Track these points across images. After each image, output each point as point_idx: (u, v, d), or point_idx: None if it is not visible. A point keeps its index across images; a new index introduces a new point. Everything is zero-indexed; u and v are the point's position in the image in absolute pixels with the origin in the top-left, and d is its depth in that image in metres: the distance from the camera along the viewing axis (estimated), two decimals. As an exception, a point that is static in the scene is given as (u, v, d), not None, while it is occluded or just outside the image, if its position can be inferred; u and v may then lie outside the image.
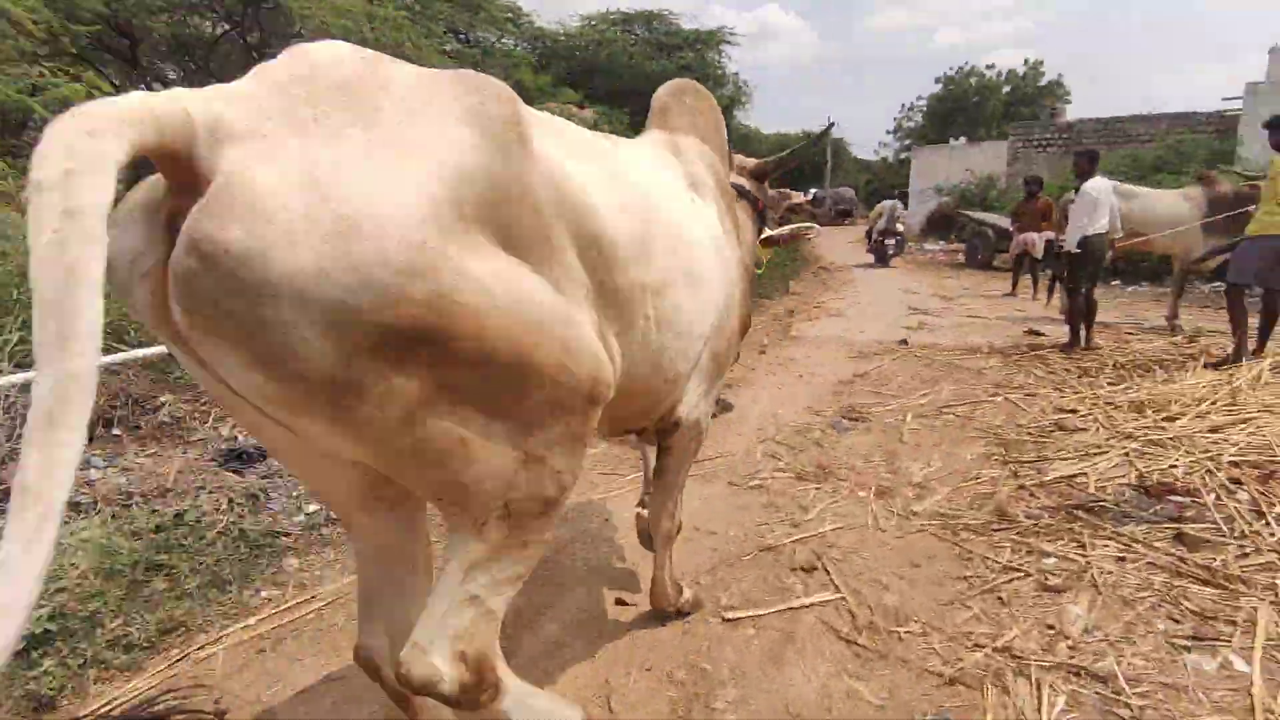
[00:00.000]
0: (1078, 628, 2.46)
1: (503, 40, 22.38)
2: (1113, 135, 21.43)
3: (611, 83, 22.27)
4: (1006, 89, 36.93)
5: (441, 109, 1.05)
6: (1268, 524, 3.24)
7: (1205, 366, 5.56)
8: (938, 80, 38.13)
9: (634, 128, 12.36)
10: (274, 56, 1.04)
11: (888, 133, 42.75)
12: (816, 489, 3.64)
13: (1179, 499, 3.50)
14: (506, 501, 1.17)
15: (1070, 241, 6.26)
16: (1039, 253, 10.18)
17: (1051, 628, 2.46)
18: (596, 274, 1.33)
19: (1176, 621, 2.52)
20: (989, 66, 37.55)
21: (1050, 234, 10.31)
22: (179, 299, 0.87)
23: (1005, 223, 15.12)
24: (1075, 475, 3.81)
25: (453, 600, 1.19)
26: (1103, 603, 2.61)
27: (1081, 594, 2.66)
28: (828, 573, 2.80)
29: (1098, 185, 6.18)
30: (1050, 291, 8.48)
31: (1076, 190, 6.29)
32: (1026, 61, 37.58)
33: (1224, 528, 3.21)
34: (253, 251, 0.83)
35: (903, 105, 42.85)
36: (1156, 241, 7.34)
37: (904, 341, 6.88)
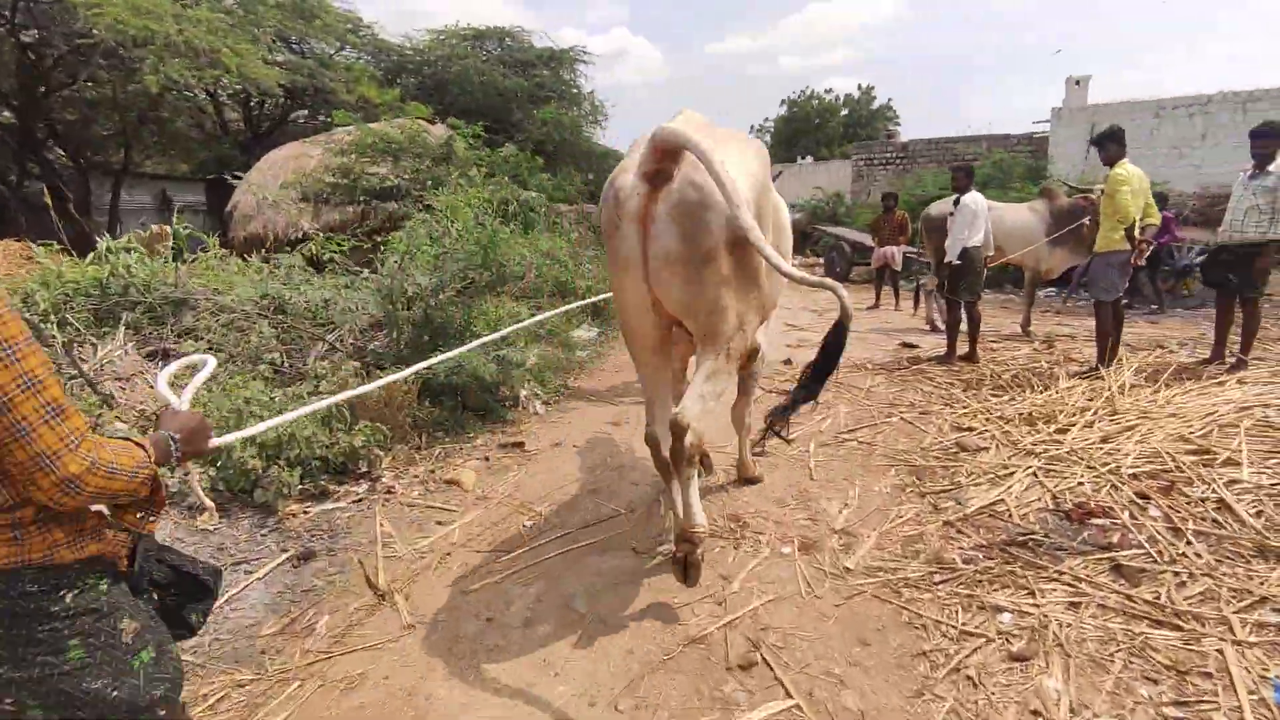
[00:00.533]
0: (1063, 708, 2.10)
1: (342, 52, 20.89)
2: (942, 154, 23.21)
3: (463, 98, 21.33)
4: (844, 112, 39.38)
5: (752, 150, 2.77)
6: (1189, 543, 3.12)
7: (1072, 375, 5.70)
8: (782, 103, 40.04)
9: (488, 144, 11.62)
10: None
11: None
12: (735, 549, 3.15)
13: (1099, 522, 3.34)
14: (730, 343, 2.47)
15: (951, 253, 6.29)
16: (899, 265, 10.51)
17: (1037, 714, 2.08)
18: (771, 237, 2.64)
19: (1154, 682, 2.23)
20: (827, 91, 39.94)
21: (908, 247, 10.72)
22: (667, 205, 2.28)
23: (861, 237, 15.81)
24: (995, 503, 3.59)
25: (698, 393, 2.46)
26: (1075, 668, 2.28)
27: (1052, 659, 2.31)
28: (770, 668, 2.29)
29: (976, 199, 6.25)
30: (916, 301, 8.65)
31: (956, 204, 6.33)
32: (860, 87, 40.24)
33: (1151, 552, 3.05)
34: (707, 189, 2.24)
35: (752, 126, 44.64)
36: (1011, 255, 7.64)
37: (788, 362, 6.65)
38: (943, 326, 8.57)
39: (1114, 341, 5.69)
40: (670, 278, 2.34)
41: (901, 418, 5.00)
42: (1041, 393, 5.26)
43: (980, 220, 6.25)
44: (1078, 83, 19.38)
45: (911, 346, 7.35)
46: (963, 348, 6.55)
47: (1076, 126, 16.87)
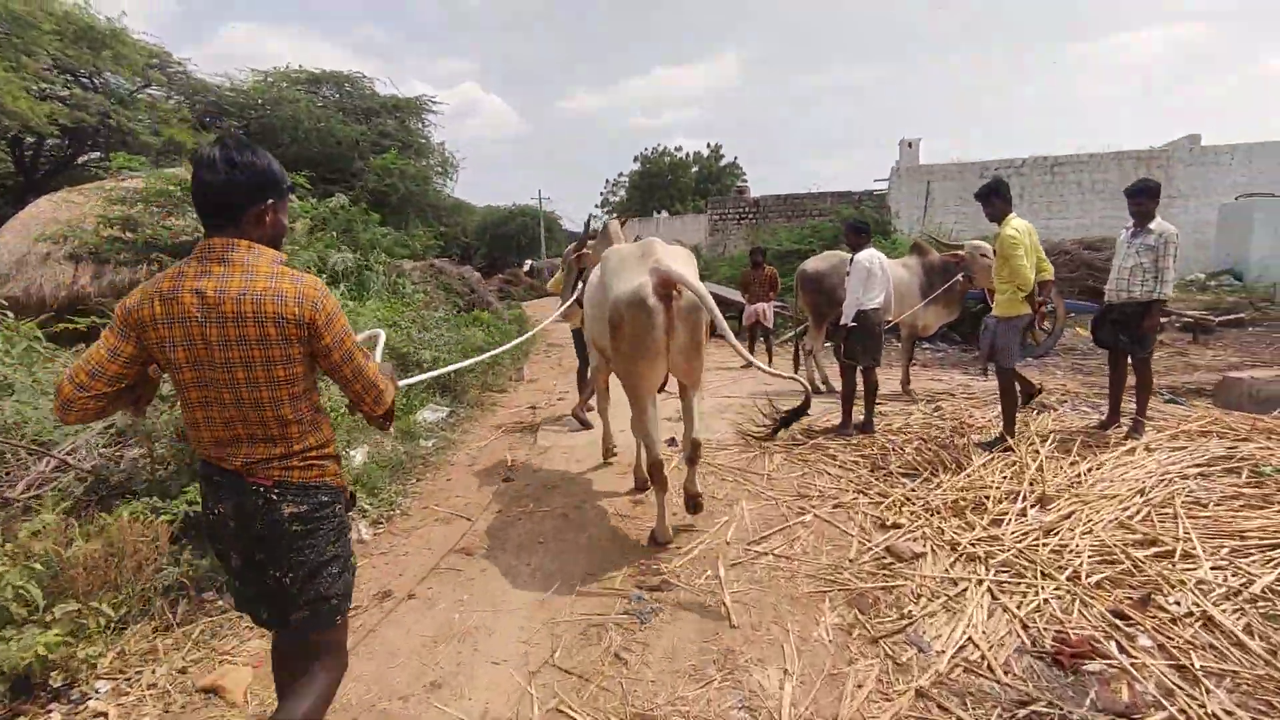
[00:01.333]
0: None
1: (147, 90, 18.38)
2: (791, 210, 24.03)
3: (295, 146, 19.38)
4: (695, 168, 40.55)
5: (687, 255, 4.04)
6: (1208, 690, 2.46)
7: (979, 446, 5.23)
8: (636, 159, 40.60)
9: (324, 195, 10.10)
10: None
11: (595, 206, 44.49)
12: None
13: (1095, 669, 2.63)
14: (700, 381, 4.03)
15: (847, 315, 5.72)
16: (770, 322, 10.08)
17: None
18: None
19: None
20: (677, 148, 41.08)
21: (777, 302, 10.34)
22: (679, 315, 3.56)
23: (728, 293, 15.58)
24: (963, 647, 2.80)
25: (697, 420, 4.01)
26: None
27: None
28: None
29: (872, 256, 5.74)
30: (797, 363, 8.13)
31: (851, 262, 5.79)
32: (709, 145, 41.65)
33: (1174, 712, 2.35)
34: (693, 301, 3.58)
35: (607, 180, 45.06)
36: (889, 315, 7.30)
37: (672, 441, 5.78)
38: (824, 388, 8.12)
39: (1012, 406, 5.30)
40: (685, 353, 3.68)
41: (815, 514, 4.20)
42: (957, 473, 4.69)
43: (877, 280, 5.76)
44: (910, 145, 20.74)
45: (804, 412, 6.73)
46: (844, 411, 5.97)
47: (914, 184, 17.84)
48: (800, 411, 3.92)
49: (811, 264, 7.85)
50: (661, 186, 39.38)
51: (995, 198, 5.25)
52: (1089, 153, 16.71)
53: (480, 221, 38.51)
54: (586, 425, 6.65)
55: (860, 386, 5.99)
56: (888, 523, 3.99)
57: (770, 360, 10.13)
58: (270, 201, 1.73)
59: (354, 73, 22.47)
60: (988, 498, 4.20)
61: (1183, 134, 16.88)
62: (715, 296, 11.36)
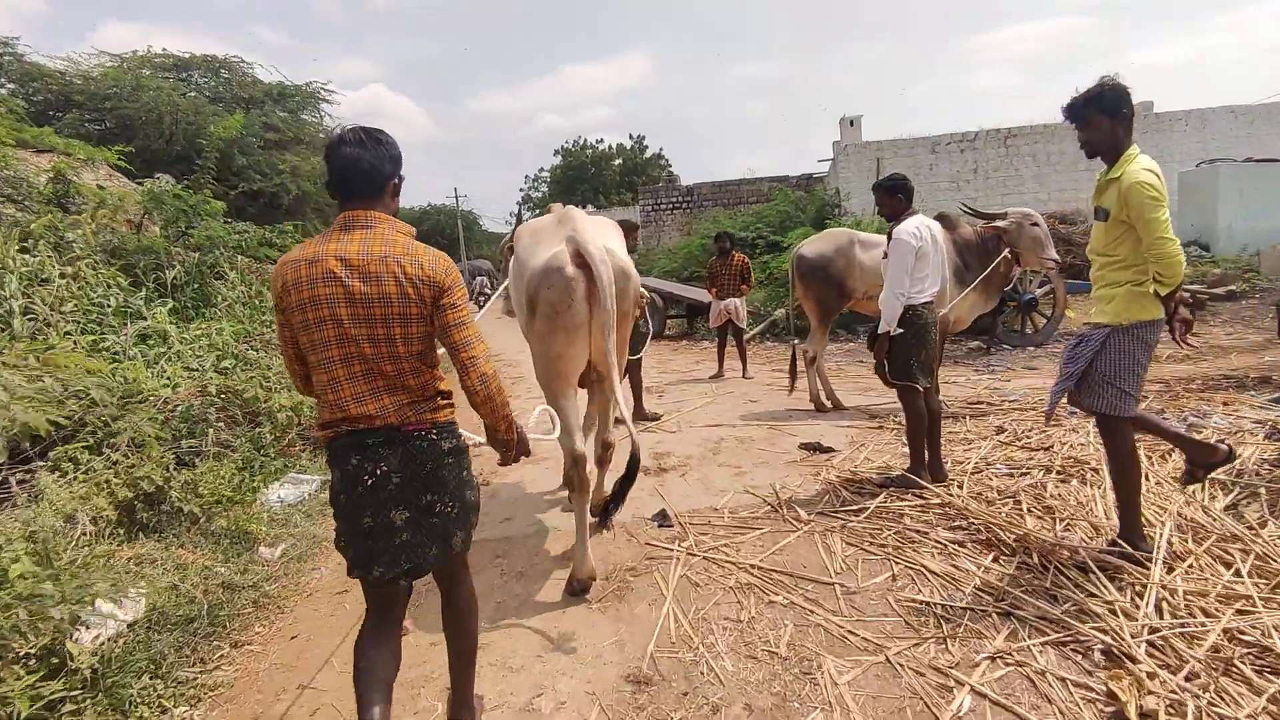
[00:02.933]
0: None
1: (-37, 77, 15.02)
2: (727, 196, 22.39)
3: (159, 142, 16.34)
4: (618, 161, 38.58)
5: (611, 225, 3.56)
6: None
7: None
8: (556, 152, 38.41)
9: (216, 196, 7.26)
10: None
11: (518, 204, 41.97)
12: None
13: None
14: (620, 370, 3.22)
15: (888, 315, 3.82)
16: (744, 320, 8.18)
17: None
18: None
19: None
20: (599, 140, 39.01)
21: (744, 297, 8.46)
22: (607, 283, 2.88)
23: (671, 287, 13.65)
24: None
25: (610, 418, 3.59)
26: None
27: None
28: None
29: (917, 228, 3.83)
30: (793, 373, 6.24)
31: (889, 239, 3.89)
32: (631, 136, 39.79)
33: None
34: (619, 268, 3.05)
35: (527, 177, 42.57)
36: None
37: (662, 517, 3.77)
38: (829, 404, 6.28)
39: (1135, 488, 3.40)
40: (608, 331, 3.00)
41: (981, 691, 2.27)
42: (1144, 566, 2.86)
43: (929, 261, 3.89)
44: (851, 123, 19.31)
45: (825, 450, 4.83)
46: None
47: (862, 162, 16.36)
48: (630, 479, 2.97)
49: (811, 246, 5.98)
50: (584, 180, 37.22)
51: (900, 195, 3.97)
52: (1043, 123, 15.62)
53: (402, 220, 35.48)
54: (654, 418, 6.16)
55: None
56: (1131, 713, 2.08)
57: (745, 365, 8.24)
58: (401, 176, 1.93)
59: (231, 57, 19.37)
60: (1210, 590, 2.38)
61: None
62: (671, 296, 9.37)
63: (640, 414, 6.18)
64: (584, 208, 29.40)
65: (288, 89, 19.91)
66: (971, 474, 4.06)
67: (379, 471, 1.80)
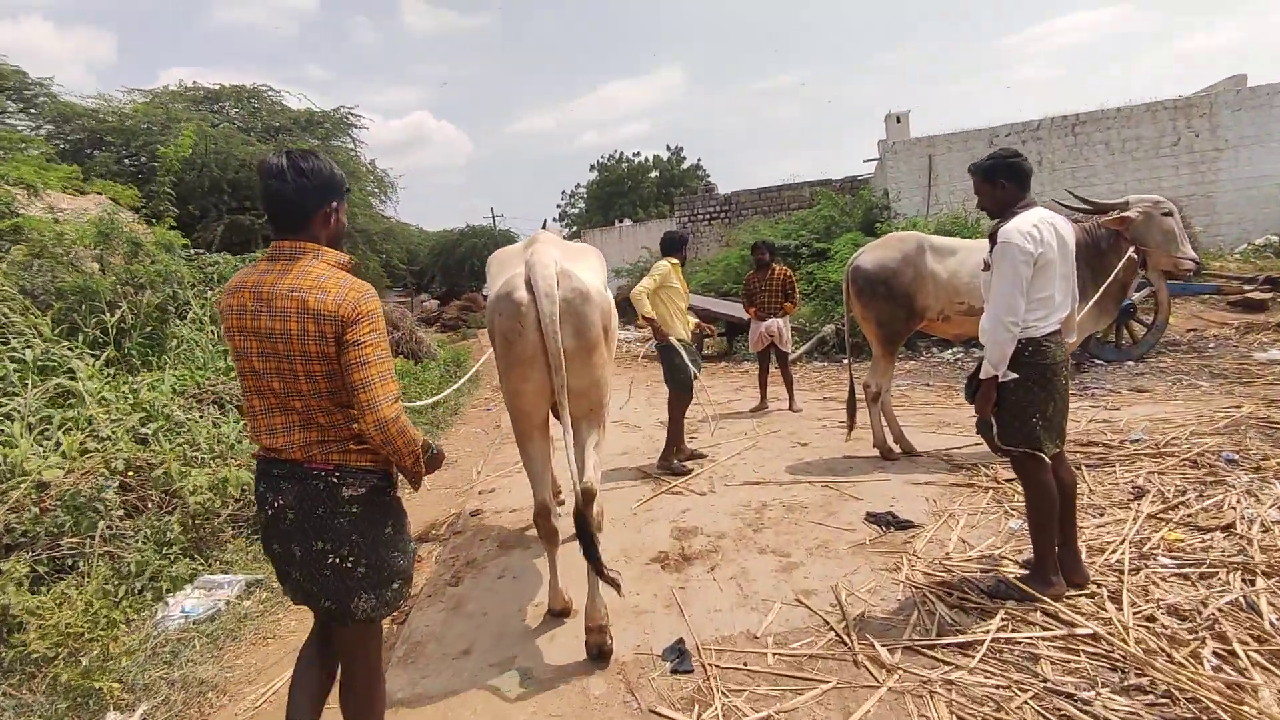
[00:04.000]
0: None
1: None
2: (767, 204, 21.13)
3: (190, 174, 16.02)
4: (655, 173, 37.67)
5: (594, 254, 3.34)
6: None
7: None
8: (592, 167, 37.71)
9: (233, 227, 6.61)
10: None
11: (554, 220, 41.48)
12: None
13: None
14: (605, 413, 2.95)
15: (993, 358, 2.60)
16: (789, 344, 6.98)
17: None
18: None
19: None
20: (635, 154, 38.18)
21: (788, 316, 7.24)
22: (546, 305, 2.59)
23: (712, 304, 12.49)
24: None
25: (595, 461, 2.79)
26: None
27: None
28: None
29: (1033, 228, 2.56)
30: (851, 414, 5.02)
31: (992, 243, 2.65)
32: (669, 147, 38.85)
33: None
34: (580, 291, 2.73)
35: (564, 193, 42.04)
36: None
37: (679, 656, 2.63)
38: (898, 450, 5.04)
39: None
40: (571, 363, 2.74)
41: None
42: None
43: (1053, 274, 2.63)
44: (898, 119, 17.87)
45: (901, 525, 3.62)
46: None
47: (913, 160, 14.94)
48: (584, 544, 2.54)
49: (871, 255, 4.77)
50: (621, 194, 36.33)
51: (1005, 180, 2.66)
52: (1115, 107, 13.97)
53: (433, 247, 35.35)
54: (682, 471, 5.04)
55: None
56: None
57: (791, 396, 7.02)
58: (334, 204, 1.82)
59: (259, 86, 19.08)
60: None
61: (1224, 77, 14.23)
62: (709, 314, 8.06)
63: (666, 464, 5.06)
64: (620, 222, 28.51)
65: (316, 116, 19.54)
66: (1121, 571, 2.81)
67: (277, 504, 1.75)
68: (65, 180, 11.09)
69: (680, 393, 5.07)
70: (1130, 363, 7.71)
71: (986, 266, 2.70)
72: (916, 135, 15.90)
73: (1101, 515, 3.43)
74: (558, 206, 40.43)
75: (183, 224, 16.76)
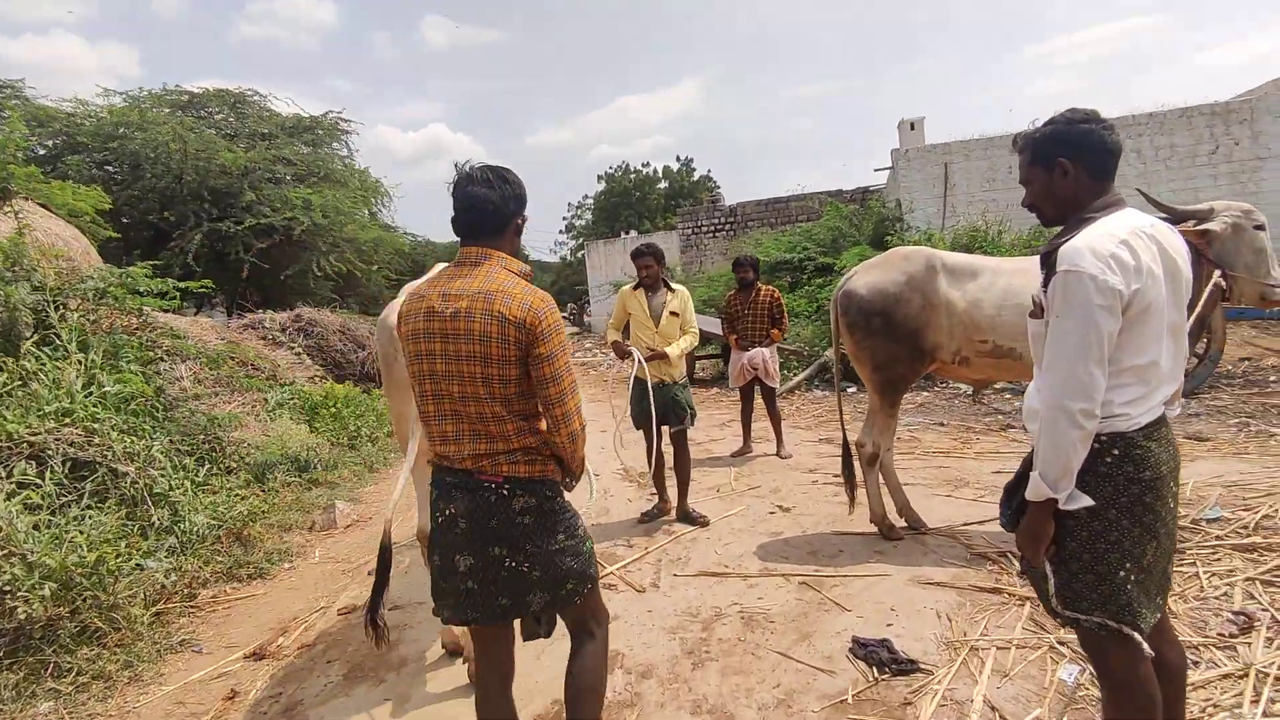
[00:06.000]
0: None
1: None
2: (774, 215, 20.05)
3: (166, 178, 15.29)
4: (663, 184, 36.77)
5: None
6: None
7: None
8: (600, 178, 36.93)
9: (215, 236, 5.65)
10: None
11: (560, 232, 40.60)
12: None
13: None
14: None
15: (1047, 472, 1.48)
16: (775, 377, 5.87)
17: None
18: None
19: None
20: (644, 164, 37.30)
21: (777, 344, 6.16)
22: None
23: (704, 323, 11.41)
24: None
25: None
26: None
27: None
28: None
29: (1116, 253, 1.45)
30: (849, 482, 3.90)
31: (1047, 270, 1.56)
32: (679, 158, 37.95)
33: None
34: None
35: (570, 205, 41.25)
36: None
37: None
38: (902, 523, 3.94)
39: None
40: None
41: None
42: None
43: (1159, 326, 1.53)
44: (912, 126, 16.78)
45: (901, 667, 2.52)
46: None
47: (927, 168, 13.81)
48: (378, 579, 2.42)
49: (867, 277, 3.67)
50: (628, 205, 35.39)
51: (1070, 159, 1.64)
52: (1148, 112, 12.78)
53: (440, 258, 34.61)
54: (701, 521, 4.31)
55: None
56: None
57: (780, 440, 5.93)
58: (525, 216, 1.87)
59: (245, 90, 18.33)
60: None
61: (1267, 80, 13.00)
62: (704, 333, 6.93)
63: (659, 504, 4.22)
64: (626, 233, 27.57)
65: (305, 121, 18.74)
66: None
67: (449, 512, 1.76)
68: (23, 184, 10.21)
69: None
70: (1183, 399, 6.56)
71: (1038, 311, 1.62)
72: (932, 143, 14.79)
73: (1197, 667, 2.31)
74: (564, 219, 39.61)
75: (158, 231, 16.13)
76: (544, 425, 1.77)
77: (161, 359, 5.72)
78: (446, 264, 2.00)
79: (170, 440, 4.67)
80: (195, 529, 4.00)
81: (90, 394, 4.48)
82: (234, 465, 5.17)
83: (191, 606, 3.60)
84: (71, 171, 14.49)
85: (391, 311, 2.73)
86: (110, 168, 16.25)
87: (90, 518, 3.49)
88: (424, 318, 1.71)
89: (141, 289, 5.53)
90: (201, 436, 5.05)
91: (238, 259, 15.10)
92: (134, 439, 4.29)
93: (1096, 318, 1.45)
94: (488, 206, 1.76)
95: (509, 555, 1.73)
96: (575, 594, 1.83)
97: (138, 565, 3.45)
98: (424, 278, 2.07)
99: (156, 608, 3.41)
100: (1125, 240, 1.49)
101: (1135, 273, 1.46)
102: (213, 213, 15.67)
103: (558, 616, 1.95)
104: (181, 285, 6.23)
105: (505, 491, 1.72)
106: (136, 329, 5.71)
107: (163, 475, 4.18)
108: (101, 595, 3.10)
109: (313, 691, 2.71)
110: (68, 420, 4.15)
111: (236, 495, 4.66)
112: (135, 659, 2.99)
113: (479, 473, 1.73)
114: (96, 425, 4.14)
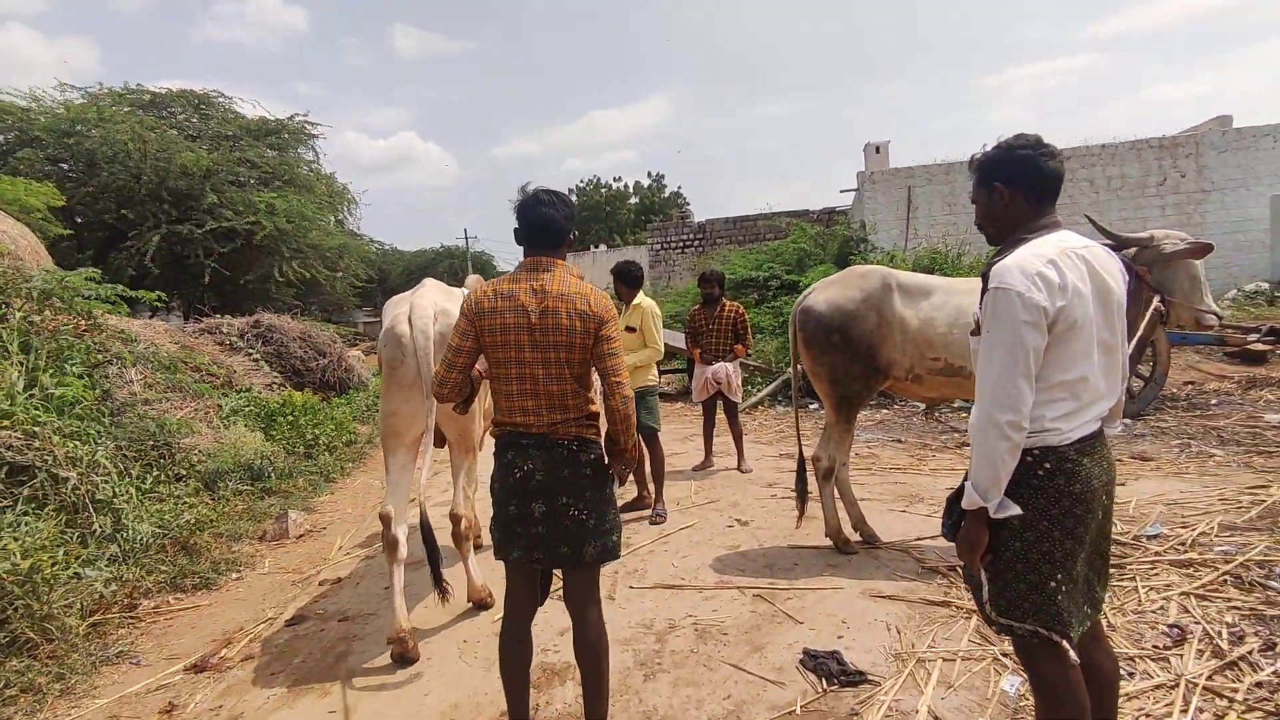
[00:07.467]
0: None
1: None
2: (742, 233, 20.28)
3: (123, 177, 14.91)
4: (634, 200, 36.98)
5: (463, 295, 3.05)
6: None
7: None
8: (571, 191, 36.94)
9: (172, 237, 5.30)
10: None
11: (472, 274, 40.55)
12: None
13: None
14: (472, 440, 3.52)
15: (979, 481, 1.54)
16: (738, 395, 5.93)
17: None
18: None
19: None
20: (616, 179, 37.50)
21: (742, 359, 6.23)
22: (420, 339, 3.01)
23: (671, 337, 11.47)
24: None
25: (461, 486, 3.40)
26: None
27: None
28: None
29: (1044, 270, 1.52)
30: (802, 500, 3.96)
31: (985, 280, 1.63)
32: (650, 174, 38.23)
33: None
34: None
35: (542, 217, 41.19)
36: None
37: None
38: (856, 538, 4.00)
39: None
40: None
41: None
42: None
43: (1086, 342, 1.58)
44: (877, 149, 17.15)
45: (850, 678, 2.55)
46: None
47: (892, 191, 14.14)
48: (431, 558, 3.11)
49: (824, 294, 3.74)
50: (599, 220, 35.50)
51: (1006, 183, 1.68)
52: (1100, 144, 13.29)
53: (406, 266, 34.25)
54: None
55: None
56: None
57: (741, 454, 5.98)
58: (575, 230, 2.28)
59: (210, 91, 17.99)
60: None
61: (1209, 118, 13.63)
62: (670, 348, 6.97)
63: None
64: (595, 247, 27.60)
65: (270, 124, 18.45)
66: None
67: (526, 467, 2.10)
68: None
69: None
70: (1128, 420, 6.78)
71: (977, 329, 1.67)
72: (896, 166, 15.16)
73: (1131, 678, 2.39)
74: (534, 230, 39.65)
75: (115, 231, 15.67)
76: (594, 397, 2.17)
77: (110, 362, 5.55)
78: (506, 271, 2.51)
79: (117, 446, 4.54)
80: (139, 537, 3.89)
81: (31, 396, 4.34)
82: (183, 472, 5.03)
83: (131, 617, 3.49)
84: (24, 167, 14.06)
85: (399, 320, 3.08)
86: (65, 164, 15.79)
87: (26, 524, 3.36)
88: (514, 313, 2.06)
89: (87, 293, 5.38)
90: (150, 442, 4.91)
91: (198, 263, 14.73)
92: (77, 444, 4.15)
93: (1022, 333, 1.51)
94: (554, 224, 2.15)
95: (573, 505, 2.08)
96: (616, 547, 2.18)
97: (75, 574, 3.33)
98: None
99: (94, 618, 3.30)
100: (1053, 260, 1.56)
101: (1061, 290, 1.53)
102: (172, 214, 15.31)
103: (549, 587, 2.31)
104: (129, 294, 6.05)
105: (575, 447, 2.11)
106: (85, 331, 5.54)
107: (106, 481, 4.05)
108: (35, 604, 2.98)
109: (255, 704, 2.64)
110: (6, 423, 4.01)
111: (184, 503, 4.53)
112: (68, 671, 2.88)
113: (554, 434, 2.09)
114: (37, 429, 4.00)
